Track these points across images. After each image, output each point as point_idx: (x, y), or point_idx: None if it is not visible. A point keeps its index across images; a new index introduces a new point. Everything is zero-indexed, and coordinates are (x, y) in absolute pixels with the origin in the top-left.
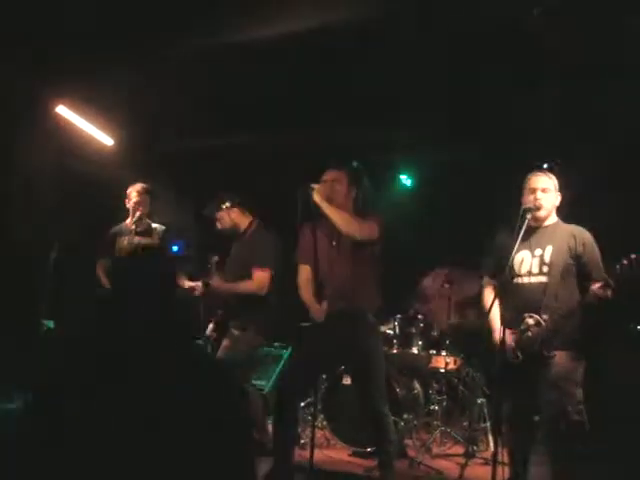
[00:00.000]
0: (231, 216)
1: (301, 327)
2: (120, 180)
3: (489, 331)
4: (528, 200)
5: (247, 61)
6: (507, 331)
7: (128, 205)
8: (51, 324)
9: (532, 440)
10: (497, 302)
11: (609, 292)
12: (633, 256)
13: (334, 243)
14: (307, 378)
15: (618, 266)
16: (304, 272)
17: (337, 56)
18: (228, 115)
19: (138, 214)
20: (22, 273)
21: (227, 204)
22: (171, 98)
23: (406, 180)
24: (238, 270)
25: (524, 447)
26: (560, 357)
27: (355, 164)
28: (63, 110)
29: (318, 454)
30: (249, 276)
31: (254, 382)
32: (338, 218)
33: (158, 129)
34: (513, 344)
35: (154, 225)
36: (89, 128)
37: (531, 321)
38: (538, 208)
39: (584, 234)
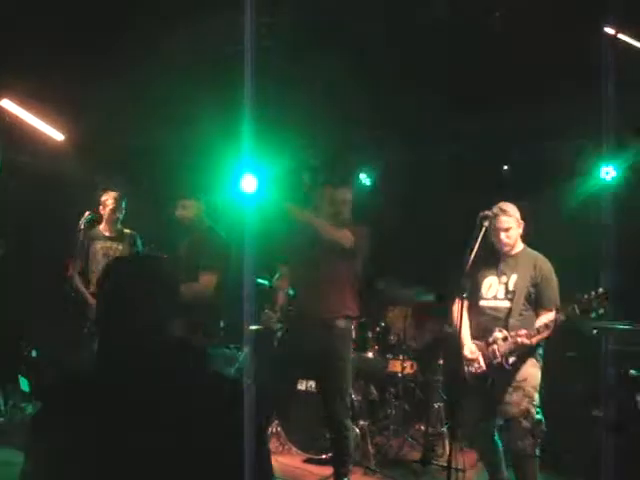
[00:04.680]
0: (197, 209)
1: (254, 330)
2: (73, 175)
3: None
4: (497, 239)
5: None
6: (476, 344)
7: (103, 212)
8: None
9: (497, 444)
10: (466, 319)
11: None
12: (601, 290)
13: (308, 250)
14: (287, 385)
15: (586, 296)
16: None
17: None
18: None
19: (115, 220)
20: None
21: (199, 198)
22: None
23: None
24: (186, 271)
25: (491, 451)
26: (521, 362)
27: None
28: (8, 104)
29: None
30: (196, 277)
31: None
32: (312, 222)
33: (111, 123)
34: (480, 356)
35: (125, 230)
36: (37, 122)
37: (500, 335)
38: (504, 246)
39: (545, 265)
